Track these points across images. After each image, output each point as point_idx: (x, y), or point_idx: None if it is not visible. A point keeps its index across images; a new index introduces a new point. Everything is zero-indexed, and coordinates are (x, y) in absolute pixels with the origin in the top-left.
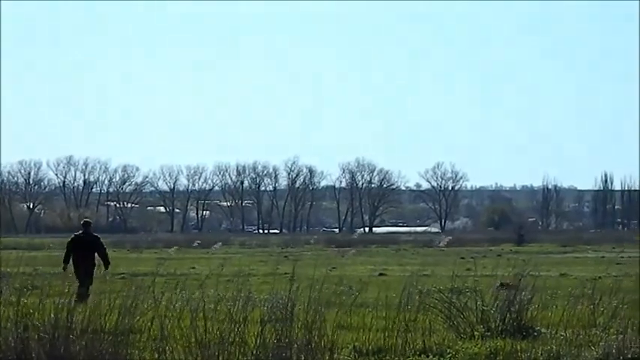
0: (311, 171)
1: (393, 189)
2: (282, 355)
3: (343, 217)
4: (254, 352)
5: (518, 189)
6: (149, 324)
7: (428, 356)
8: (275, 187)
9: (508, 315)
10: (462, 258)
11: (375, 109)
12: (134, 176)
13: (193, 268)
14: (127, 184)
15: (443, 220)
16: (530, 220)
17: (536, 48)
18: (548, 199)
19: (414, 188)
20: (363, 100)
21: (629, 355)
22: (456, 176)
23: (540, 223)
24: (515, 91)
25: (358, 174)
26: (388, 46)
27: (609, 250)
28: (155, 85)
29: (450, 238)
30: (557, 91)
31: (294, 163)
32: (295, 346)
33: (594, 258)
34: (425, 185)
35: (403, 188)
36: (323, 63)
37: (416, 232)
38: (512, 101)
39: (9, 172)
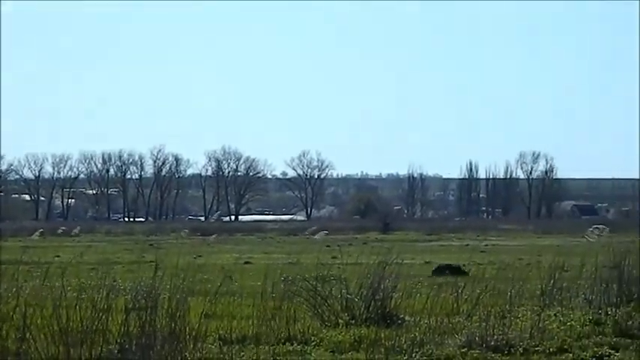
0: (177, 159)
1: (259, 177)
2: (146, 343)
3: (209, 206)
4: (118, 340)
5: (384, 177)
6: (11, 313)
7: (292, 344)
8: (141, 175)
9: (372, 303)
10: (328, 246)
11: (241, 96)
12: None
13: (58, 256)
14: None
15: (309, 209)
16: (395, 208)
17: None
18: (414, 187)
19: (280, 176)
20: (230, 87)
21: (492, 343)
22: (321, 165)
23: (406, 211)
24: (379, 79)
25: (224, 162)
26: (263, 29)
27: (474, 237)
28: (20, 73)
29: (315, 228)
30: (421, 80)
31: (160, 151)
32: (159, 334)
33: (459, 246)
34: (291, 173)
35: (269, 176)
36: (189, 47)
37: (282, 221)
38: (378, 90)
39: None
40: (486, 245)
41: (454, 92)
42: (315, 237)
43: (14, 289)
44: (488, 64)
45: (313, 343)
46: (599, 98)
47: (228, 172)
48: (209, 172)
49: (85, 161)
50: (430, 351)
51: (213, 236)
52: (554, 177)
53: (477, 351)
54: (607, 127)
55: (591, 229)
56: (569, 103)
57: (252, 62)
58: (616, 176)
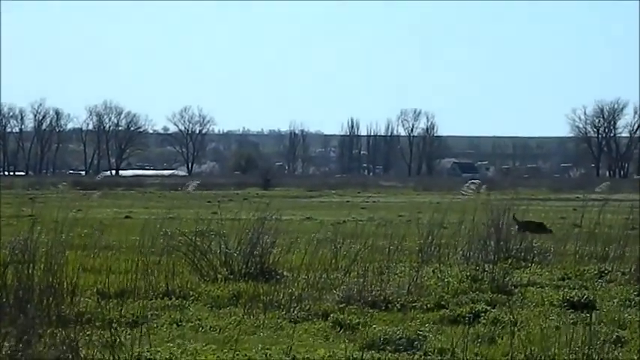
0: (57, 113)
1: (141, 132)
2: (23, 297)
3: (90, 160)
4: None
5: (265, 134)
6: None
7: (171, 298)
8: (21, 129)
9: (251, 258)
10: (209, 202)
11: (123, 50)
12: None
13: None
14: None
15: (190, 164)
16: (277, 164)
17: None
18: (295, 143)
19: (162, 132)
20: (112, 40)
21: (370, 299)
22: (203, 120)
23: (287, 167)
24: (261, 35)
25: (105, 117)
26: None
27: (355, 194)
28: None
29: (198, 182)
30: (303, 35)
31: (40, 105)
32: (37, 288)
33: (339, 202)
34: (172, 129)
35: (150, 131)
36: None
37: (162, 176)
38: (260, 46)
39: None
40: (367, 202)
41: (335, 49)
42: (195, 192)
43: None
44: (369, 19)
45: (192, 298)
46: (478, 57)
47: (109, 127)
48: (90, 127)
49: None
50: (308, 306)
51: (98, 193)
52: (435, 134)
53: (355, 306)
54: (487, 86)
55: (467, 184)
56: (449, 61)
57: (135, 15)
58: (497, 134)
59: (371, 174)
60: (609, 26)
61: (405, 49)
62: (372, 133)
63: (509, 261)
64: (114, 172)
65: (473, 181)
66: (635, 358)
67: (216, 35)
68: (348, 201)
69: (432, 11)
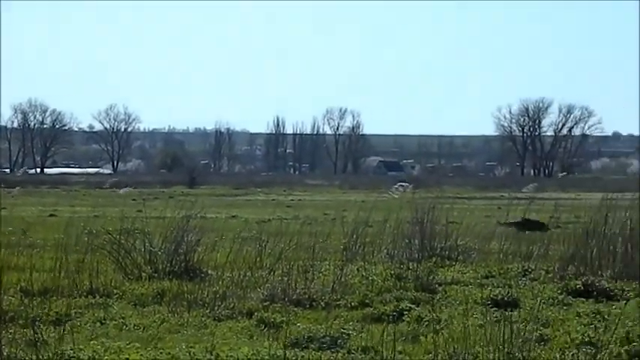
0: None
1: (66, 130)
2: None
3: (14, 158)
4: None
5: (191, 132)
6: None
7: (95, 297)
8: None
9: (175, 257)
10: (134, 200)
11: (48, 48)
12: None
13: None
14: None
15: (115, 162)
16: (202, 162)
17: None
18: (221, 142)
19: (87, 129)
20: (36, 39)
21: (294, 297)
22: (129, 118)
23: (213, 165)
24: (192, 37)
25: (30, 114)
26: None
27: (280, 192)
28: None
29: (121, 181)
30: (227, 36)
31: None
32: None
33: (265, 200)
34: (98, 127)
35: (76, 129)
36: None
37: (88, 174)
38: (184, 44)
39: None
40: (292, 200)
41: (261, 47)
42: (121, 191)
43: None
44: (296, 17)
45: (116, 296)
46: (404, 55)
47: (34, 125)
48: (15, 125)
49: None
50: (232, 304)
51: (17, 189)
52: (360, 133)
53: (279, 305)
54: (412, 85)
55: (396, 186)
56: (374, 59)
57: (59, 11)
58: (422, 133)
59: (297, 172)
60: (534, 25)
61: (332, 47)
62: (298, 132)
63: (434, 259)
64: (39, 170)
65: (401, 183)
66: (558, 356)
67: (141, 33)
68: (273, 199)
69: (359, 10)
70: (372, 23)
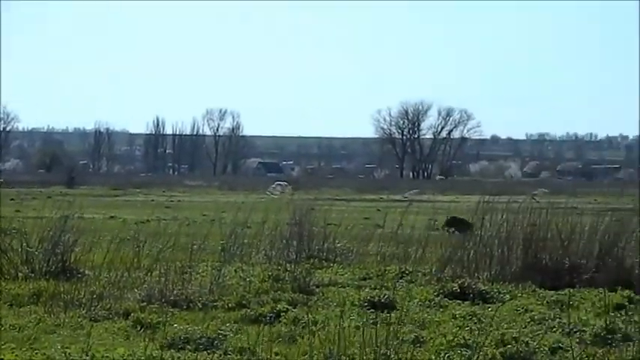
0: None
1: None
2: None
3: None
4: None
5: (70, 131)
6: None
7: None
8: None
9: (53, 257)
10: (12, 199)
11: None
12: None
13: None
14: None
15: None
16: (81, 162)
17: None
18: (100, 142)
19: None
20: None
21: (172, 298)
22: (7, 117)
23: (92, 165)
24: (71, 37)
25: None
26: None
27: (160, 193)
28: None
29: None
30: (107, 36)
31: None
32: None
33: (144, 201)
34: None
35: None
36: None
37: None
38: (69, 47)
39: None
40: (171, 201)
41: (141, 47)
42: None
43: None
44: (176, 17)
45: None
46: (284, 57)
47: None
48: None
49: None
50: (109, 305)
51: None
52: (240, 134)
53: (156, 305)
54: (292, 86)
55: (273, 186)
56: (254, 61)
57: None
58: (302, 135)
59: (176, 173)
60: (416, 27)
61: (211, 47)
62: (178, 132)
63: (312, 261)
64: None
65: (279, 182)
66: (433, 357)
67: (21, 31)
68: (152, 200)
69: (241, 9)
70: (254, 23)
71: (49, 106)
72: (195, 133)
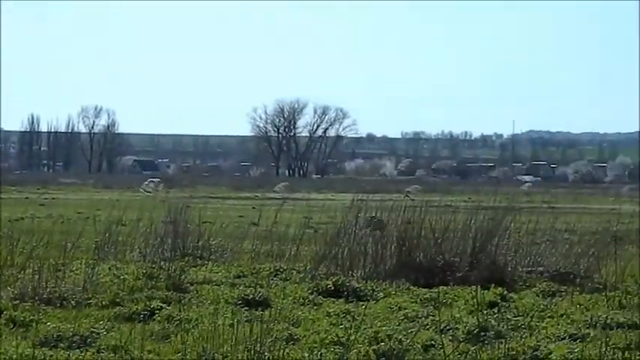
0: None
1: None
2: None
3: None
4: None
5: None
6: None
7: None
8: None
9: None
10: None
11: None
12: None
13: None
14: None
15: None
16: None
17: None
18: None
19: None
20: None
21: (45, 295)
22: None
23: None
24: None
25: None
26: None
27: (34, 191)
28: None
29: None
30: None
31: None
32: None
33: (18, 199)
34: None
35: None
36: None
37: None
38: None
39: None
40: (46, 199)
41: (14, 43)
42: None
43: None
44: (55, 17)
45: None
46: (160, 55)
47: None
48: None
49: None
50: None
51: None
52: (116, 132)
53: (29, 303)
54: (168, 84)
55: (147, 183)
56: (130, 58)
57: None
58: (178, 132)
59: (51, 171)
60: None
61: (89, 45)
62: (53, 130)
63: (187, 259)
64: None
65: (152, 179)
66: (306, 355)
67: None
68: (27, 197)
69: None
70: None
71: None
72: (70, 130)
